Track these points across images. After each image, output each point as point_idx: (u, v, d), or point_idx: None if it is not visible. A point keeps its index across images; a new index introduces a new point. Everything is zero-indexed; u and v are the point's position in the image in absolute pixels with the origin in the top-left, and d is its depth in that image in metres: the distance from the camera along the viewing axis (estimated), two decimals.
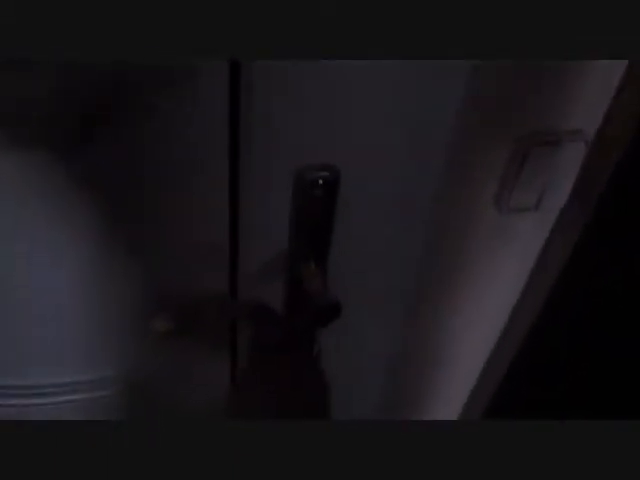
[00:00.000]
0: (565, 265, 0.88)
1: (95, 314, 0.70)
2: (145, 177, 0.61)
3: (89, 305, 0.70)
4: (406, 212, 0.75)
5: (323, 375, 0.78)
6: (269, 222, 0.67)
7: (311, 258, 0.69)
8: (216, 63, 0.54)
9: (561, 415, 0.94)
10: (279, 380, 0.78)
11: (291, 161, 0.63)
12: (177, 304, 0.67)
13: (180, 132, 0.58)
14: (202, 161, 0.61)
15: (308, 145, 0.63)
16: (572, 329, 0.96)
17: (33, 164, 0.58)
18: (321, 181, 0.63)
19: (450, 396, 1.14)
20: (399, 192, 0.72)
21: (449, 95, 0.66)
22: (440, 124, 0.69)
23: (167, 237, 0.66)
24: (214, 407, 0.89)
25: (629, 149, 0.77)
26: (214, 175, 0.62)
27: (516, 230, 0.86)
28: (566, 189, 0.82)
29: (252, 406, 0.76)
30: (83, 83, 0.53)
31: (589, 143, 0.78)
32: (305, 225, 0.66)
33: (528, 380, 1.06)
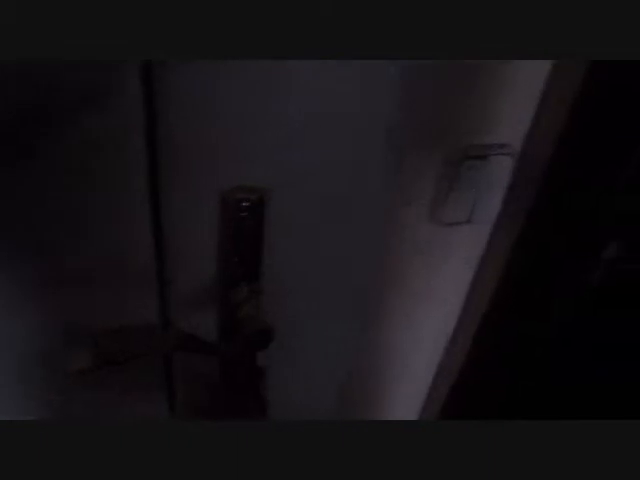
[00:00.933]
0: (500, 276, 0.89)
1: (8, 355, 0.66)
2: (60, 198, 0.58)
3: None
4: (339, 230, 0.74)
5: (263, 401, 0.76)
6: (197, 246, 0.66)
7: (242, 281, 0.67)
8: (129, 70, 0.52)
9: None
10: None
11: (215, 180, 0.61)
12: (103, 338, 0.64)
13: (96, 149, 0.56)
14: (121, 180, 0.58)
15: (232, 162, 0.62)
16: (513, 335, 0.97)
17: None
18: (246, 203, 0.62)
19: (398, 412, 1.14)
20: (331, 209, 0.72)
21: (379, 113, 0.66)
22: (371, 140, 0.69)
23: (88, 265, 0.63)
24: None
25: (553, 161, 0.79)
26: (134, 196, 0.60)
27: (451, 244, 0.86)
28: (497, 202, 0.84)
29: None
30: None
31: (515, 156, 0.80)
32: (233, 247, 0.65)
33: (476, 388, 1.07)
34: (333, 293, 0.81)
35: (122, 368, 0.69)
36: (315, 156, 0.66)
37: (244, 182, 0.62)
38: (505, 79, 0.73)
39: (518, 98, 0.76)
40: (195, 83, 0.55)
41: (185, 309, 0.70)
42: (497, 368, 1.01)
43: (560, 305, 0.86)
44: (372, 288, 0.84)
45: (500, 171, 0.80)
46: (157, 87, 0.54)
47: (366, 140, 0.69)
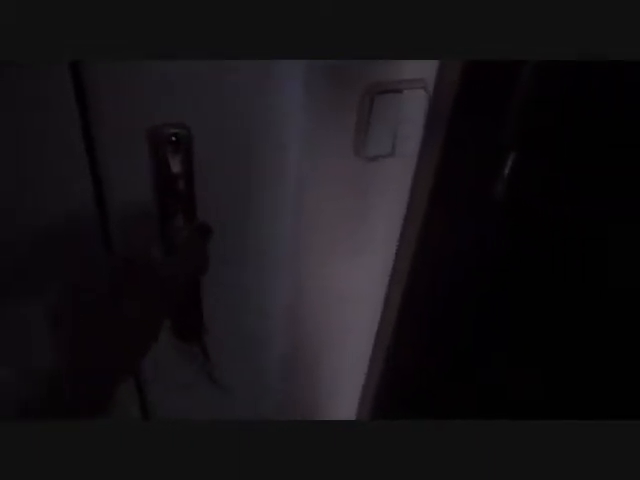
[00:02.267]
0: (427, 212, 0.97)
1: None
2: None
3: None
4: (263, 169, 0.80)
5: None
6: (133, 183, 0.70)
7: (178, 215, 0.72)
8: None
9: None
10: None
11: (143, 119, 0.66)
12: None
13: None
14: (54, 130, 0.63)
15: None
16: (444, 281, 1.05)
17: None
18: (174, 138, 0.67)
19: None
20: (254, 148, 0.77)
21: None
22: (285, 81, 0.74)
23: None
24: None
25: (462, 93, 0.86)
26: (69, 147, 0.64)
27: (377, 177, 0.93)
28: (416, 135, 0.91)
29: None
30: None
31: (429, 90, 0.87)
32: (165, 182, 0.70)
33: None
34: (261, 233, 0.87)
35: None
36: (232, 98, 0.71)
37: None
38: None
39: None
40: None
41: (126, 245, 0.74)
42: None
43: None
44: (301, 229, 0.91)
45: (416, 105, 0.87)
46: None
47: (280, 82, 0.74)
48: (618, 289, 0.73)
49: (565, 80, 0.73)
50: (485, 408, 0.99)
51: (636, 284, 0.70)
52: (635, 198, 0.68)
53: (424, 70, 0.86)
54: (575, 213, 0.77)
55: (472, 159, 0.93)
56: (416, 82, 0.86)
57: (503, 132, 0.83)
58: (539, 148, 0.81)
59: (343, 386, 1.28)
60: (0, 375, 0.59)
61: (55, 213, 0.67)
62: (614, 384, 0.76)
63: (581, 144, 0.75)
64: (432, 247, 1.03)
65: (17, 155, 0.62)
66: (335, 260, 1.00)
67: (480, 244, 0.98)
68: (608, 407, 0.75)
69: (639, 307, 0.71)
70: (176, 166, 0.69)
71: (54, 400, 0.48)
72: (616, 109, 0.69)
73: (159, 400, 0.94)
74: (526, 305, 0.89)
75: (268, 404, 1.11)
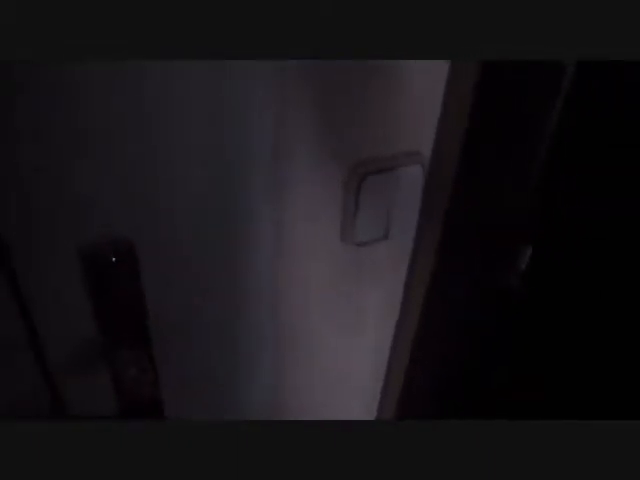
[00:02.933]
0: (428, 289, 0.84)
1: None
2: None
3: None
4: (238, 265, 0.65)
5: None
6: (67, 311, 0.55)
7: (124, 346, 0.57)
8: None
9: None
10: None
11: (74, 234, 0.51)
12: None
13: None
14: None
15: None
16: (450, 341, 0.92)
17: None
18: (114, 258, 0.52)
19: None
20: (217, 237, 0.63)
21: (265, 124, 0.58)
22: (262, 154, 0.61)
23: None
24: None
25: (462, 165, 0.73)
26: None
27: (369, 263, 0.79)
28: (412, 214, 0.78)
29: None
30: None
31: (425, 165, 0.74)
32: (107, 309, 0.55)
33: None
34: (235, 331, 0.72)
35: None
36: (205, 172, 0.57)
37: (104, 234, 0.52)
38: (402, 80, 0.66)
39: (420, 100, 0.69)
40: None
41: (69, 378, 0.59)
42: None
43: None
44: (283, 325, 0.76)
45: (411, 181, 0.74)
46: None
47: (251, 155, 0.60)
48: None
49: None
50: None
51: None
52: None
53: (419, 142, 0.73)
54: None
55: (475, 241, 0.81)
56: (411, 156, 0.72)
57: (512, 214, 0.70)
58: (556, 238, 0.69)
59: None
60: None
61: None
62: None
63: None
64: (430, 337, 0.89)
65: None
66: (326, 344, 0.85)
67: (480, 333, 0.86)
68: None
69: None
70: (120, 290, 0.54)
71: None
72: None
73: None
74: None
75: None
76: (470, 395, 0.93)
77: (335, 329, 0.83)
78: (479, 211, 0.79)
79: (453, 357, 0.92)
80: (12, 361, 0.56)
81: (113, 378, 0.57)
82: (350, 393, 0.97)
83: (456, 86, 0.69)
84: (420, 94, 0.69)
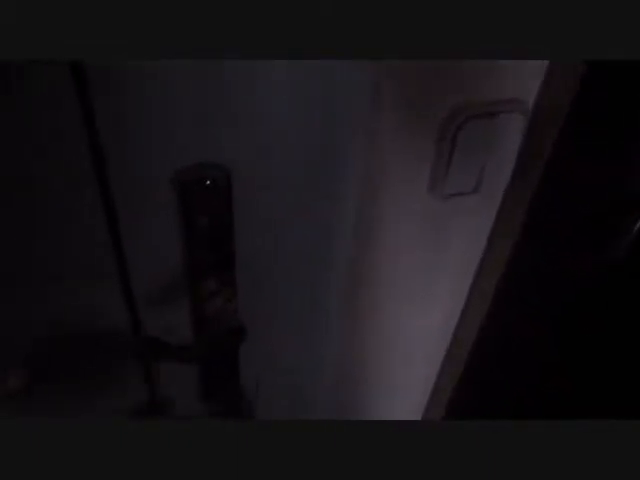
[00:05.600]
0: (510, 256, 0.79)
1: None
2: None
3: None
4: (324, 209, 0.64)
5: None
6: (156, 236, 0.56)
7: (211, 272, 0.57)
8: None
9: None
10: None
11: (168, 162, 0.51)
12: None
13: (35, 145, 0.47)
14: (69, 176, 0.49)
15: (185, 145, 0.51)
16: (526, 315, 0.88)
17: None
18: (208, 181, 0.52)
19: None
20: (314, 187, 0.62)
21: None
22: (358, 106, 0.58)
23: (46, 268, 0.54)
24: None
25: (570, 118, 0.68)
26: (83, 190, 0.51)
27: (454, 217, 0.76)
28: (507, 168, 0.73)
29: None
30: None
31: (528, 114, 0.69)
32: (195, 235, 0.55)
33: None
34: (313, 280, 0.71)
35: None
36: (297, 125, 0.55)
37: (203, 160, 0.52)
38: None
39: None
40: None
41: (153, 308, 0.60)
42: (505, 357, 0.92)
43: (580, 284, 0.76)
44: (365, 274, 0.75)
45: (511, 131, 0.69)
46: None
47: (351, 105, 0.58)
48: None
49: None
50: None
51: None
52: None
53: (522, 89, 0.68)
54: None
55: (572, 207, 0.75)
56: (514, 103, 0.68)
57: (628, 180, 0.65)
58: None
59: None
60: None
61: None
62: None
63: None
64: (512, 300, 0.85)
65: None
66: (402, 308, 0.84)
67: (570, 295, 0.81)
68: None
69: None
70: (211, 216, 0.54)
71: None
72: None
73: None
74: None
75: None
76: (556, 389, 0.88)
77: (410, 282, 0.81)
78: (581, 173, 0.74)
79: (534, 340, 0.88)
80: (97, 288, 0.58)
81: (198, 307, 0.57)
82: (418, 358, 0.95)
83: None
84: None
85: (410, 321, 0.86)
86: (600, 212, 0.70)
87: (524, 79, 0.67)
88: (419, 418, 1.10)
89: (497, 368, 0.93)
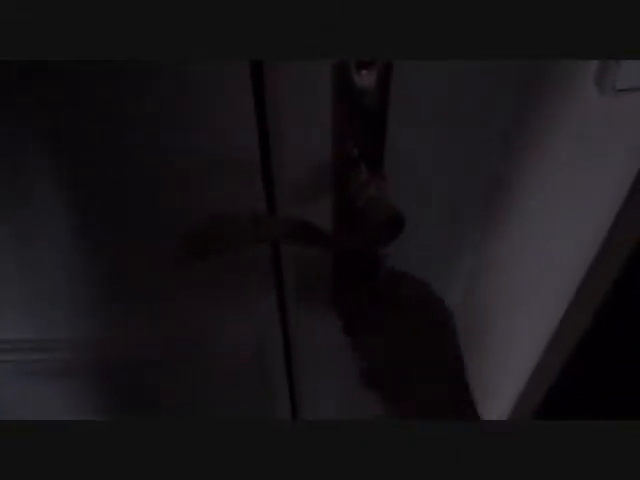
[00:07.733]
0: None
1: None
2: None
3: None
4: (482, 96, 0.60)
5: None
6: (305, 120, 0.55)
7: (362, 163, 0.57)
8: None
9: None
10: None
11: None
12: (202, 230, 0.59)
13: None
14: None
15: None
16: None
17: None
18: (367, 70, 0.50)
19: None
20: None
21: None
22: None
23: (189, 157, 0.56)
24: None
25: None
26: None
27: (624, 116, 0.68)
28: None
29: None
30: None
31: None
32: (351, 123, 0.54)
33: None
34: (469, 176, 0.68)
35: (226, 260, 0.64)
36: None
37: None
38: None
39: None
40: None
41: (295, 197, 0.61)
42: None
43: None
44: (517, 170, 0.70)
45: None
46: None
47: None
48: None
49: None
50: None
51: None
52: None
53: None
54: None
55: None
56: None
57: None
58: None
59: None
60: None
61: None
62: None
63: None
64: None
65: None
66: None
67: None
68: None
69: None
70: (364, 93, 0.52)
71: None
72: None
73: None
74: None
75: None
76: None
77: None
78: None
79: None
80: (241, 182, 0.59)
81: (352, 197, 0.57)
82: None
83: None
84: None
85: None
86: None
87: None
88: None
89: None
